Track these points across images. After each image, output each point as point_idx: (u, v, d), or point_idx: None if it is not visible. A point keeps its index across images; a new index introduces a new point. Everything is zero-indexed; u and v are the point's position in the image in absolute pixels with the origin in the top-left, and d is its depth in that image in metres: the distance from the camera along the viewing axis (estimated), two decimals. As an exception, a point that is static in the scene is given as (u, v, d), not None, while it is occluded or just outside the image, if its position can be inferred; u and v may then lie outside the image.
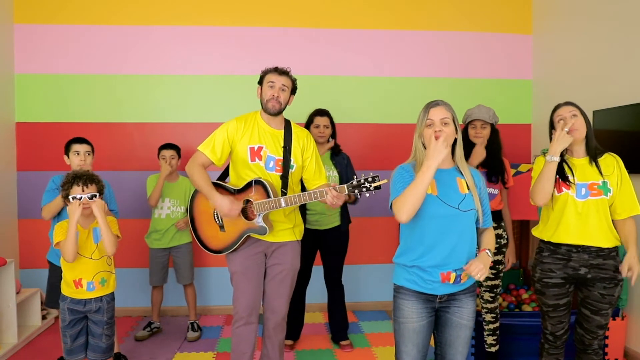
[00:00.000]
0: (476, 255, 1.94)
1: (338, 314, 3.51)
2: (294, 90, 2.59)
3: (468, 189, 1.92)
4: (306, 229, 3.26)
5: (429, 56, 4.33)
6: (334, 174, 3.33)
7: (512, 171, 3.25)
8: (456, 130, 1.94)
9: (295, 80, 2.59)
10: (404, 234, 1.99)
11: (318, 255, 3.46)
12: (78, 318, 2.44)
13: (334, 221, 3.37)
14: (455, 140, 1.95)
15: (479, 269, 1.80)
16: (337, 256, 3.45)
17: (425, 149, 1.91)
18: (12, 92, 4.03)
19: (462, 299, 1.93)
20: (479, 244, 2.01)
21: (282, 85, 2.49)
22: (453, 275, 1.87)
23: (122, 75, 4.12)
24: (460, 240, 1.88)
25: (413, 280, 1.92)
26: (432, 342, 2.05)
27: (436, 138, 1.86)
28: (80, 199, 2.37)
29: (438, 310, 1.96)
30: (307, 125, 3.35)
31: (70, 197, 2.38)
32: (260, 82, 2.55)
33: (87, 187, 2.39)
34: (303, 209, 3.26)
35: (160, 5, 4.13)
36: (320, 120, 3.33)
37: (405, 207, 1.81)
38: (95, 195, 2.41)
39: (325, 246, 3.40)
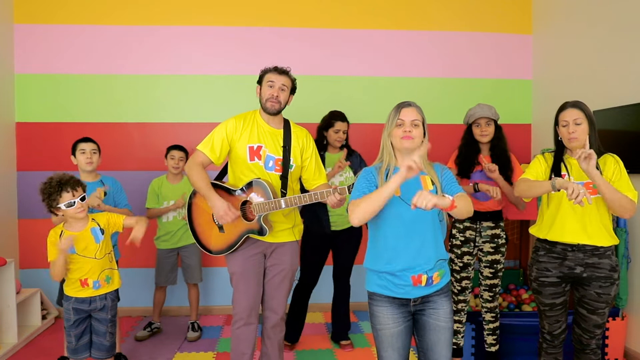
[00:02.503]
0: (444, 255, 1.94)
1: (343, 314, 3.49)
2: (293, 90, 2.56)
3: (433, 184, 1.90)
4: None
5: (429, 56, 4.33)
6: (350, 174, 3.28)
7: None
8: (424, 133, 1.92)
9: (295, 80, 2.57)
10: (371, 239, 1.97)
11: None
12: (82, 317, 2.45)
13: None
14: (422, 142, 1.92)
15: (422, 197, 1.64)
16: (350, 256, 3.42)
17: (394, 148, 1.91)
18: (12, 92, 4.03)
19: (436, 300, 1.92)
20: None
21: (281, 85, 2.47)
22: (424, 278, 1.86)
23: (122, 75, 4.12)
24: (426, 240, 1.87)
25: (385, 285, 1.91)
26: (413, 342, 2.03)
27: (406, 138, 1.86)
28: (74, 204, 2.31)
29: (414, 314, 1.94)
30: (325, 127, 3.30)
31: (63, 206, 2.29)
32: (260, 82, 2.53)
33: (76, 191, 2.32)
34: (323, 208, 3.21)
35: (160, 5, 4.13)
36: (342, 126, 3.30)
37: (359, 210, 1.80)
38: (84, 198, 2.37)
39: (340, 246, 3.37)
